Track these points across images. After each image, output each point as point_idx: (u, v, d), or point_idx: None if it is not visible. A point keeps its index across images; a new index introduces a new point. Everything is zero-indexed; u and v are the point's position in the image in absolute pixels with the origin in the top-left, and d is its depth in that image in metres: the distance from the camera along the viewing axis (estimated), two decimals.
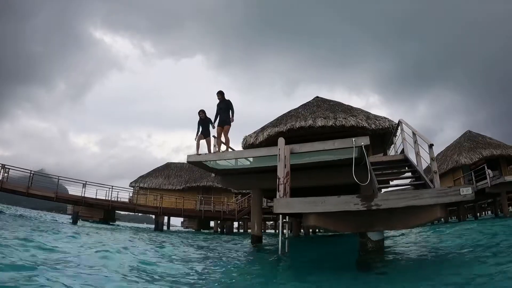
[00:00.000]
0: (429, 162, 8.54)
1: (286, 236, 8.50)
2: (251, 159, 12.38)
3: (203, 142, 11.32)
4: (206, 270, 6.43)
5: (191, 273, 5.91)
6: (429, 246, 10.31)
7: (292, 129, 12.78)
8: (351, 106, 14.46)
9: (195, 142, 11.19)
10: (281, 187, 7.29)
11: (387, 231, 10.67)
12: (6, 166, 21.36)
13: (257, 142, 13.43)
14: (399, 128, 10.39)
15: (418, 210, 5.79)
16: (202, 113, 11.55)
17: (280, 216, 7.87)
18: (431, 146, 7.59)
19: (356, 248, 8.70)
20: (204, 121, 11.45)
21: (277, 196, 7.11)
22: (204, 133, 11.34)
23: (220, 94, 11.45)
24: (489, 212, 37.93)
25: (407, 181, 12.78)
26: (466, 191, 5.65)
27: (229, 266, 7.25)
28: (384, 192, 6.60)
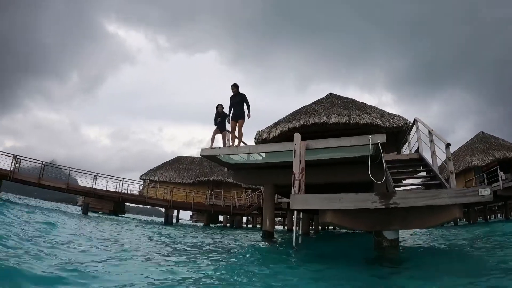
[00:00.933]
0: (443, 162, 8.52)
1: (300, 232, 8.49)
2: (263, 155, 12.36)
3: (218, 136, 11.34)
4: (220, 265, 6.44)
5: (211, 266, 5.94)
6: (445, 243, 10.29)
7: (306, 125, 12.70)
8: (365, 104, 14.35)
9: (207, 136, 11.22)
10: (296, 183, 7.27)
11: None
12: (17, 157, 21.48)
13: (270, 138, 13.39)
14: (414, 126, 10.30)
15: (435, 210, 5.75)
16: (220, 107, 11.56)
17: (295, 212, 7.86)
18: (448, 145, 7.52)
19: (368, 246, 8.68)
20: (221, 115, 11.47)
21: (292, 192, 7.10)
22: (220, 127, 11.35)
23: (235, 86, 11.33)
24: (499, 215, 37.62)
25: (418, 180, 12.71)
26: (485, 192, 5.60)
27: (244, 260, 7.26)
28: (400, 190, 6.54)
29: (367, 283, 4.77)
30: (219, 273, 5.15)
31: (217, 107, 11.59)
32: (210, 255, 7.40)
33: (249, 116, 11.13)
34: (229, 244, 10.81)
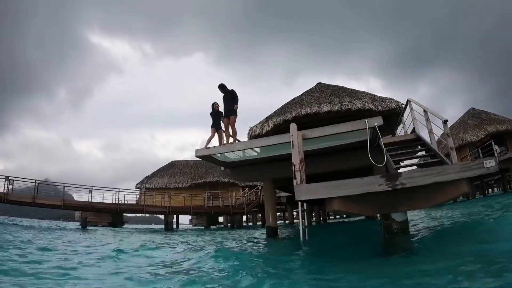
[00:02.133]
0: (440, 139, 8.46)
1: (306, 224, 8.33)
2: (258, 150, 12.22)
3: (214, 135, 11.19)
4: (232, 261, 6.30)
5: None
6: (451, 221, 10.24)
7: (298, 116, 12.56)
8: (355, 90, 14.25)
9: (199, 139, 11.06)
10: (297, 174, 7.14)
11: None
12: (10, 178, 21.05)
13: (263, 133, 13.24)
14: (407, 107, 10.23)
15: (442, 187, 5.65)
16: (216, 105, 11.42)
17: (299, 203, 7.72)
18: (445, 122, 7.46)
19: (374, 231, 8.58)
20: (216, 114, 11.31)
21: (295, 184, 6.96)
22: (215, 126, 11.19)
23: (221, 87, 11.12)
24: (496, 189, 37.87)
25: (416, 161, 12.67)
26: (490, 164, 5.53)
27: (253, 256, 7.13)
28: (405, 171, 6.44)
29: (388, 274, 4.63)
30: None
31: (212, 106, 11.44)
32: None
33: (236, 107, 10.89)
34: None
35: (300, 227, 7.90)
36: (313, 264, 5.91)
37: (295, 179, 7.06)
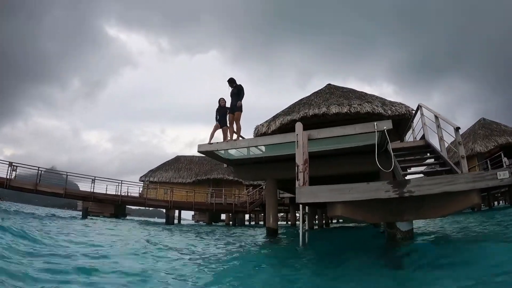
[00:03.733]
0: (451, 146, 8.16)
1: (306, 227, 8.04)
2: (263, 149, 12.00)
3: (218, 133, 11.00)
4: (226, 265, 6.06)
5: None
6: (457, 232, 9.91)
7: (305, 117, 12.33)
8: (365, 93, 14.02)
9: (208, 135, 10.84)
10: (301, 175, 6.89)
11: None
12: (13, 164, 21.11)
13: (269, 131, 13.03)
14: (418, 112, 9.94)
15: (452, 197, 5.36)
16: (222, 101, 11.21)
17: (301, 206, 7.46)
18: (457, 129, 7.17)
19: (378, 238, 8.28)
20: (222, 110, 11.11)
21: (297, 185, 6.71)
22: (220, 122, 10.97)
23: (230, 81, 10.90)
24: (502, 202, 37.27)
25: (423, 168, 12.36)
26: (504, 175, 5.24)
27: (249, 259, 6.87)
28: (414, 178, 6.15)
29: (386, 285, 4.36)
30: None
31: (219, 101, 11.23)
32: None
33: (239, 104, 10.64)
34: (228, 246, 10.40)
35: (300, 231, 7.60)
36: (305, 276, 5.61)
37: (297, 180, 6.81)
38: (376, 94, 13.64)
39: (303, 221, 7.96)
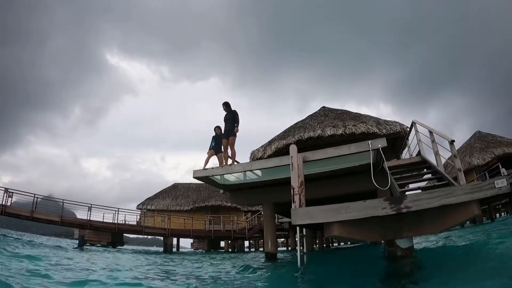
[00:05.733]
0: (447, 160, 8.11)
1: (304, 250, 7.88)
2: (259, 173, 11.95)
3: (213, 159, 11.06)
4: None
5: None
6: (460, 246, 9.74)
7: (301, 140, 12.37)
8: (359, 113, 14.08)
9: (210, 164, 10.92)
10: (296, 198, 6.78)
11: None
12: (9, 190, 20.95)
13: (265, 156, 13.02)
14: (412, 129, 9.95)
15: (451, 210, 5.25)
16: (218, 129, 11.35)
17: (298, 228, 7.35)
18: (452, 142, 7.16)
19: (378, 259, 8.11)
20: (218, 138, 11.24)
21: (293, 207, 6.61)
22: (216, 149, 11.04)
23: (225, 105, 11.04)
24: (504, 213, 37.02)
25: (422, 184, 12.24)
26: (501, 183, 5.16)
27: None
28: (411, 193, 6.06)
29: None
30: None
31: (214, 129, 11.41)
32: None
33: (236, 131, 10.78)
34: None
35: (298, 254, 7.48)
36: None
37: (293, 202, 6.70)
38: (374, 115, 13.67)
39: (301, 243, 7.83)
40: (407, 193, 7.00)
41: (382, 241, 8.16)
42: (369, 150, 7.48)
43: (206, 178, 11.22)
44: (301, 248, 7.79)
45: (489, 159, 25.32)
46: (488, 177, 22.33)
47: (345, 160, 9.61)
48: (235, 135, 10.73)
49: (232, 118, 10.84)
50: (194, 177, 10.91)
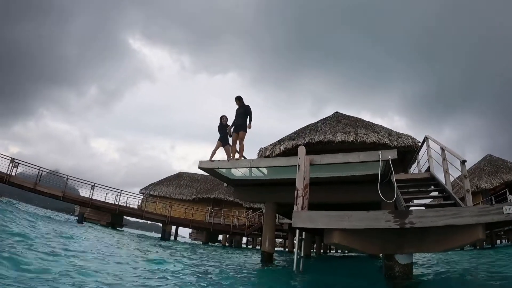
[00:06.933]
0: (457, 180, 7.96)
1: (302, 254, 7.76)
2: (265, 171, 11.86)
3: (220, 151, 10.93)
4: None
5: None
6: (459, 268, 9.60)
7: (311, 143, 12.22)
8: (372, 123, 13.92)
9: (219, 157, 10.82)
10: (300, 200, 6.71)
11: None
12: (15, 160, 21.22)
13: (273, 155, 12.89)
14: (424, 144, 9.80)
15: (456, 231, 5.14)
16: (225, 118, 11.18)
17: (297, 231, 7.27)
18: (463, 162, 7.01)
19: (376, 271, 8.00)
20: (223, 127, 11.05)
21: (295, 209, 6.53)
22: (222, 141, 10.89)
23: (239, 99, 10.87)
24: (505, 240, 36.61)
25: (426, 201, 12.12)
26: (510, 210, 5.04)
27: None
28: (417, 209, 5.94)
29: None
30: None
31: (221, 118, 11.18)
32: None
33: (249, 127, 10.66)
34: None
35: (295, 257, 7.38)
36: None
37: (296, 204, 6.63)
38: (389, 127, 13.47)
39: (299, 246, 7.72)
40: (411, 208, 6.89)
41: (381, 254, 8.05)
42: (379, 161, 7.38)
43: (211, 170, 11.16)
44: (299, 251, 7.67)
45: (497, 184, 25.00)
46: (494, 202, 22.02)
47: (352, 168, 9.50)
48: (246, 131, 10.60)
49: (244, 112, 10.70)
50: (200, 168, 10.85)
